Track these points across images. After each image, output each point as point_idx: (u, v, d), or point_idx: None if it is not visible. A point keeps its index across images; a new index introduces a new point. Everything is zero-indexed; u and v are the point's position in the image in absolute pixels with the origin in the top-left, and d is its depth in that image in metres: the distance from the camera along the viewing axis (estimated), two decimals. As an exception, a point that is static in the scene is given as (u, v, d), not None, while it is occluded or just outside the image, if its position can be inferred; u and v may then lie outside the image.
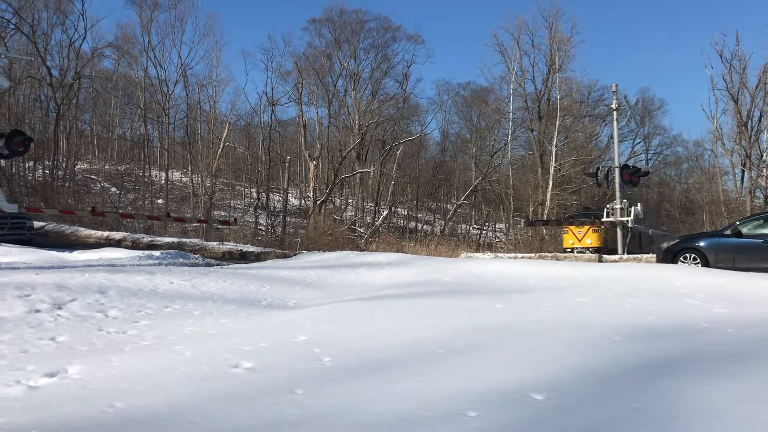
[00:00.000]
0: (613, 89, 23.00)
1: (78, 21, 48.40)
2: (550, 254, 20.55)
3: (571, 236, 28.67)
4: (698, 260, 14.03)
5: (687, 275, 9.82)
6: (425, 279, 10.22)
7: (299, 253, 20.14)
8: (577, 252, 27.00)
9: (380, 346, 4.63)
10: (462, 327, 5.41)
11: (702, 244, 14.21)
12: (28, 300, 5.88)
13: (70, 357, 4.37)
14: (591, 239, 27.91)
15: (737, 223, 14.02)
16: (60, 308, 5.85)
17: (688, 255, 14.28)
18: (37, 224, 27.83)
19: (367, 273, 11.20)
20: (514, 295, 7.82)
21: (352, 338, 4.90)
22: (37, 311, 5.66)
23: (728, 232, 14.00)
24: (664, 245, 15.44)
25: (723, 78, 40.50)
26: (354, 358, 4.27)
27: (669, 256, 14.60)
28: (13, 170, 39.97)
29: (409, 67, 52.83)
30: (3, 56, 22.08)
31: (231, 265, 14.52)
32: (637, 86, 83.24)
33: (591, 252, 26.50)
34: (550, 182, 41.51)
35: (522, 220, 25.13)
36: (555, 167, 43.75)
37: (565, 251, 27.67)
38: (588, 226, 28.26)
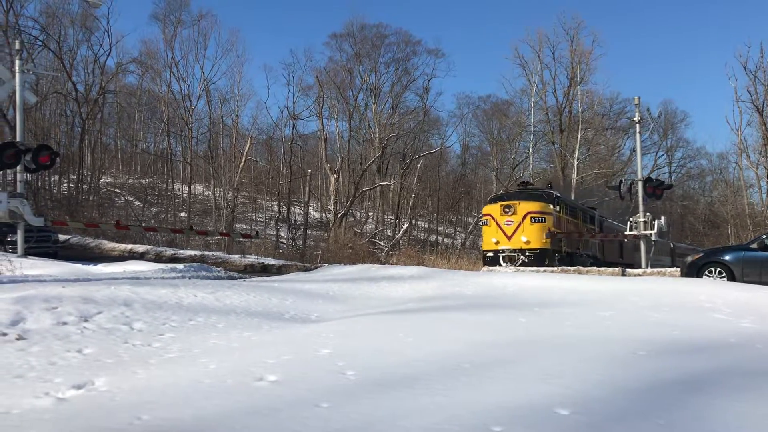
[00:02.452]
0: (636, 102, 22.89)
1: (103, 37, 49.16)
2: (572, 268, 20.38)
3: (495, 232, 22.10)
4: (724, 274, 13.85)
5: (713, 289, 9.70)
6: (447, 293, 10.19)
7: (320, 266, 20.20)
8: (505, 257, 21.48)
9: (404, 360, 4.62)
10: (486, 341, 5.39)
11: (728, 257, 14.03)
12: (55, 312, 5.95)
13: (97, 369, 4.42)
14: (529, 237, 21.48)
15: (764, 236, 13.85)
16: (86, 321, 5.91)
17: (713, 269, 14.11)
18: (62, 237, 28.20)
19: (388, 286, 11.19)
20: (538, 309, 7.77)
21: (376, 352, 4.90)
22: (64, 323, 5.73)
23: (755, 245, 13.82)
24: (689, 259, 15.27)
25: (747, 90, 40.17)
26: (378, 372, 4.27)
27: (694, 270, 14.43)
28: (39, 184, 40.57)
29: (429, 81, 53.10)
30: (30, 72, 22.45)
31: (253, 278, 14.59)
32: (659, 99, 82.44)
33: (530, 258, 21.30)
34: (572, 195, 41.26)
35: (544, 233, 24.77)
36: (577, 180, 43.51)
37: (485, 258, 22.39)
38: (526, 215, 21.67)
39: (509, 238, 21.91)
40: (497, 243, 21.90)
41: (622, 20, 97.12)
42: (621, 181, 23.60)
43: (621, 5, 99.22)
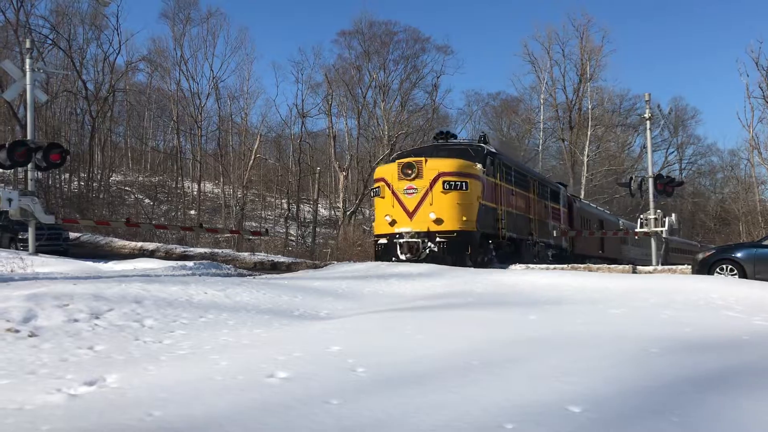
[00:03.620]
0: (646, 98, 22.81)
1: (113, 36, 49.38)
2: (582, 265, 20.32)
3: (389, 207, 15.76)
4: (735, 271, 13.78)
5: (724, 287, 9.64)
6: (457, 290, 10.17)
7: (329, 264, 20.21)
8: (405, 246, 15.23)
9: (414, 357, 4.61)
10: (496, 339, 5.37)
11: (739, 255, 13.96)
12: (66, 310, 5.97)
13: (108, 366, 4.43)
14: (442, 213, 15.25)
15: (776, 233, 13.74)
16: (97, 318, 5.93)
17: (724, 266, 14.03)
18: (72, 235, 28.37)
19: (398, 284, 11.18)
20: (548, 307, 7.74)
21: (386, 349, 4.89)
22: (76, 321, 5.75)
23: (767, 242, 13.72)
24: (700, 256, 15.19)
25: (759, 86, 39.97)
26: (388, 368, 4.26)
27: (705, 268, 14.36)
28: (50, 182, 40.81)
29: (438, 78, 52.79)
30: (41, 71, 22.54)
31: (263, 276, 14.62)
32: (670, 95, 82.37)
33: (444, 247, 15.06)
34: (582, 192, 41.13)
35: (554, 230, 24.66)
36: (587, 177, 43.35)
37: (376, 248, 16.25)
38: (436, 179, 15.23)
39: (411, 215, 15.53)
40: (393, 223, 15.60)
41: (633, 16, 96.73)
42: (631, 178, 23.53)
43: (631, 1, 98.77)
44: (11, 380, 4.00)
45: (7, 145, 18.20)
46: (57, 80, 43.50)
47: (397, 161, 16.46)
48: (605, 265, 20.63)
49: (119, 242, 29.85)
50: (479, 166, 16.85)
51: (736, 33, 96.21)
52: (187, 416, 3.26)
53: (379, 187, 16.79)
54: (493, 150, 18.71)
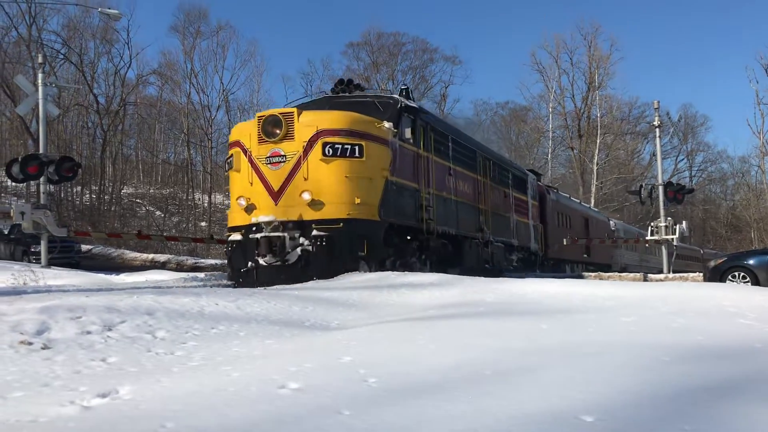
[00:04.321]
0: (655, 106, 22.81)
1: (123, 50, 49.79)
2: (593, 274, 20.25)
3: (244, 184, 11.47)
4: (748, 279, 13.69)
5: (736, 294, 9.56)
6: (468, 300, 10.14)
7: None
8: (265, 242, 10.67)
9: (426, 367, 4.61)
10: (508, 348, 5.36)
11: (751, 262, 13.89)
12: (79, 322, 6.01)
13: (121, 378, 4.45)
14: (321, 192, 10.91)
15: (788, 240, 13.66)
16: (110, 330, 5.96)
17: (736, 273, 13.95)
18: (84, 247, 28.53)
19: (408, 294, 11.16)
20: (560, 316, 7.72)
21: (398, 359, 4.89)
22: (88, 333, 5.78)
23: (779, 249, 13.63)
24: (712, 263, 15.11)
25: (769, 92, 39.69)
26: (400, 379, 4.26)
27: (717, 275, 14.29)
28: (62, 195, 41.09)
29: (446, 88, 53.09)
30: (53, 85, 22.78)
31: (274, 287, 14.63)
32: (679, 102, 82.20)
33: (322, 245, 10.74)
34: (592, 200, 41.03)
35: (564, 239, 24.57)
36: (597, 185, 43.26)
37: (228, 246, 11.91)
38: (313, 141, 10.82)
39: (276, 196, 10.99)
40: (251, 209, 11.19)
41: (641, 24, 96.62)
42: (641, 186, 23.48)
43: (638, 9, 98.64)
44: (25, 392, 4.03)
45: (19, 159, 18.38)
46: (69, 94, 43.90)
47: (257, 115, 11.53)
48: (616, 274, 20.54)
49: (131, 254, 29.99)
50: (388, 125, 11.86)
51: (745, 40, 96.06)
52: (201, 428, 3.27)
53: (232, 155, 11.73)
54: (414, 105, 13.53)
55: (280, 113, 11.36)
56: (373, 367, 4.57)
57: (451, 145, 15.93)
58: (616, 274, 21.35)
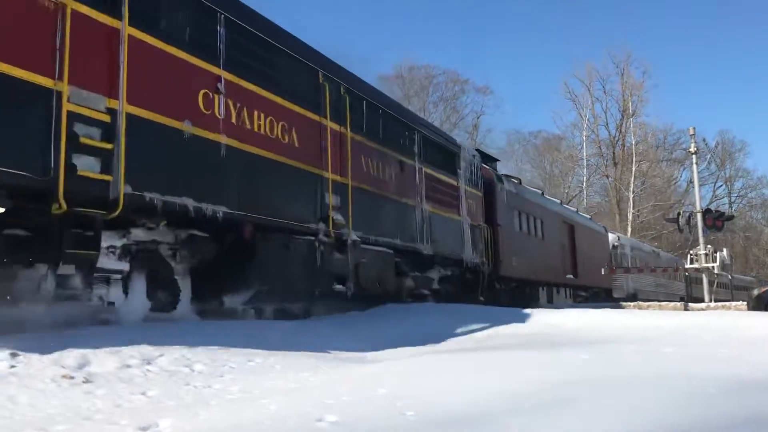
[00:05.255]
0: (691, 132, 22.51)
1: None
2: (632, 303, 19.89)
3: None
4: (794, 307, 13.33)
5: (783, 323, 9.33)
6: (503, 331, 10.06)
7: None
8: None
9: (463, 399, 4.56)
10: (547, 379, 5.28)
11: (797, 290, 13.51)
12: (119, 355, 6.09)
13: (161, 411, 4.49)
14: None
15: (835, 267, 13.30)
16: (149, 363, 6.02)
17: (782, 302, 13.59)
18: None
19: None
20: (599, 346, 7.60)
21: (434, 391, 4.85)
22: (128, 366, 5.85)
23: (825, 276, 13.28)
24: (755, 292, 14.77)
25: (809, 116, 38.99)
26: (437, 411, 4.22)
27: (761, 304, 13.95)
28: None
29: (478, 118, 53.06)
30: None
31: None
32: (715, 128, 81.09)
33: None
34: (629, 228, 40.49)
35: (602, 268, 24.16)
36: (633, 213, 42.69)
37: None
38: None
39: None
40: None
41: (673, 50, 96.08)
42: (679, 213, 23.12)
43: (670, 35, 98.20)
44: (68, 426, 4.08)
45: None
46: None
47: None
48: (655, 302, 20.14)
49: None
50: None
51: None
52: (239, 461, 3.27)
53: None
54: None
55: None
56: (410, 398, 4.54)
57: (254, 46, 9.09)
58: (656, 303, 20.95)
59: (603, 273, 23.93)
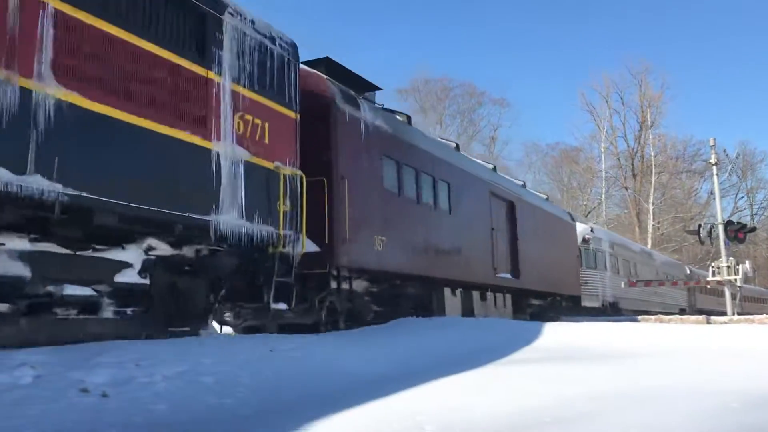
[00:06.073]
0: (711, 143, 22.28)
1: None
2: (653, 317, 19.68)
3: None
4: (819, 320, 13.12)
5: (807, 337, 9.19)
6: (521, 346, 10.00)
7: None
8: None
9: (484, 415, 4.54)
10: (567, 394, 5.24)
11: (822, 302, 13.30)
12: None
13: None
14: None
15: None
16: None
17: (806, 315, 13.38)
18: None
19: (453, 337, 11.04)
20: (620, 360, 7.53)
21: (454, 408, 4.84)
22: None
23: None
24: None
25: (831, 126, 38.54)
26: (458, 428, 4.21)
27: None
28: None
29: (495, 131, 52.91)
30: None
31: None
32: (736, 139, 79.97)
33: None
34: (649, 241, 40.13)
35: (622, 281, 23.91)
36: (653, 225, 42.33)
37: None
38: None
39: None
40: None
41: (691, 60, 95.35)
42: (700, 225, 22.85)
43: (688, 46, 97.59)
44: None
45: None
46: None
47: None
48: (678, 317, 19.90)
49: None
50: None
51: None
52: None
53: None
54: None
55: None
56: (429, 414, 4.54)
57: None
58: (678, 317, 20.70)
59: (576, 277, 19.37)
